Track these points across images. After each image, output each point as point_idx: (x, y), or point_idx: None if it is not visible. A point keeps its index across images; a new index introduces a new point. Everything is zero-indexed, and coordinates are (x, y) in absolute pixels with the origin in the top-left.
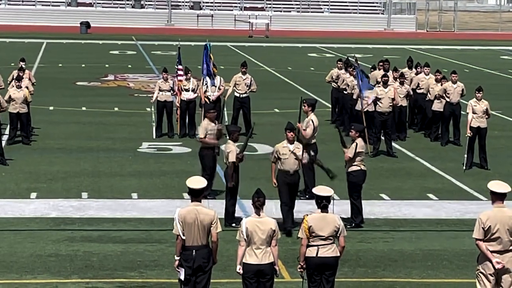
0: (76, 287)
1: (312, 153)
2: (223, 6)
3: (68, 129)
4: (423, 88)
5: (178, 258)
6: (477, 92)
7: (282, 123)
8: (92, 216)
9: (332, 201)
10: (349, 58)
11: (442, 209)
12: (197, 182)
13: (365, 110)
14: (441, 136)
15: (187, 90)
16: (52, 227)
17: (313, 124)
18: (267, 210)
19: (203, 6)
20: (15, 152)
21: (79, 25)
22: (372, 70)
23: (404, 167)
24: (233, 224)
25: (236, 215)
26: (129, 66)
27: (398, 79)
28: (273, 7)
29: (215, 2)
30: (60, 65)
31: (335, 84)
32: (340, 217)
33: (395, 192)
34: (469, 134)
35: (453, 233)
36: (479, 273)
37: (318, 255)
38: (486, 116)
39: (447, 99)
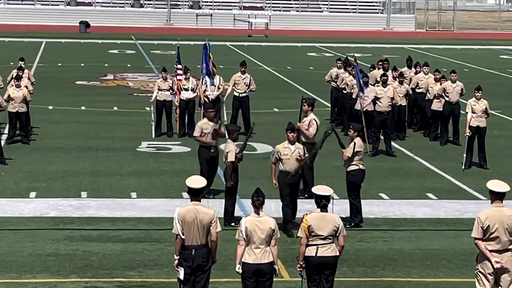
0: (76, 286)
1: (307, 158)
2: (222, 6)
3: (67, 129)
4: (422, 88)
5: (177, 257)
6: (476, 91)
7: (282, 122)
8: (91, 216)
9: (331, 200)
10: (348, 58)
11: (441, 208)
12: (197, 181)
13: (364, 109)
14: (440, 136)
15: (186, 90)
16: (51, 227)
17: (316, 123)
18: (267, 210)
19: (202, 5)
20: (14, 152)
21: (78, 24)
22: (371, 69)
23: (403, 166)
24: (233, 224)
25: (235, 214)
26: (129, 65)
27: (397, 79)
28: (273, 7)
29: (214, 2)
30: (59, 64)
31: (334, 83)
32: (340, 216)
33: (395, 191)
34: (468, 134)
35: (452, 232)
36: (478, 273)
37: (318, 255)
38: (486, 116)
39: (446, 99)
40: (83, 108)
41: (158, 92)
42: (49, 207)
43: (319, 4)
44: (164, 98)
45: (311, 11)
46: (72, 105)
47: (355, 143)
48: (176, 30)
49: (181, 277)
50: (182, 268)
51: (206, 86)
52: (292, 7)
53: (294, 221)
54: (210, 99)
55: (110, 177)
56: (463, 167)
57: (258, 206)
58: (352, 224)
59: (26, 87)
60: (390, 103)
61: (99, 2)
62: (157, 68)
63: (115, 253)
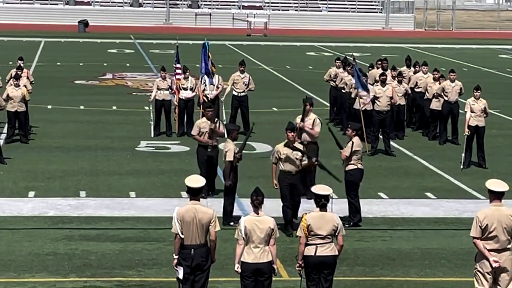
0: (74, 285)
1: (314, 159)
2: (221, 5)
3: (66, 128)
4: (421, 87)
5: (176, 256)
6: (475, 90)
7: (281, 122)
8: (90, 215)
9: (330, 200)
10: (347, 57)
11: (440, 207)
12: (196, 181)
13: (363, 108)
14: (439, 135)
15: (185, 89)
16: (50, 226)
17: (320, 122)
18: (266, 209)
19: (201, 4)
20: (13, 151)
21: (77, 23)
22: (370, 68)
23: (402, 166)
24: (231, 223)
25: (234, 214)
26: (127, 64)
27: (396, 78)
28: (272, 6)
29: (213, 1)
30: (58, 63)
31: (333, 83)
32: (338, 216)
33: (393, 191)
34: (467, 133)
35: (451, 231)
36: (477, 272)
37: (317, 254)
38: (484, 115)
39: (445, 98)
40: (82, 107)
41: (157, 92)
42: (48, 206)
43: (318, 4)
44: (163, 97)
45: (310, 11)
46: (71, 105)
47: (353, 143)
48: (175, 30)
49: (180, 276)
50: (181, 268)
51: (205, 85)
52: (291, 7)
53: (294, 221)
54: (209, 99)
55: (109, 176)
56: (462, 167)
57: (257, 206)
58: (351, 223)
59: (25, 86)
60: (389, 103)
61: (98, 2)
62: (156, 68)
63: (114, 253)
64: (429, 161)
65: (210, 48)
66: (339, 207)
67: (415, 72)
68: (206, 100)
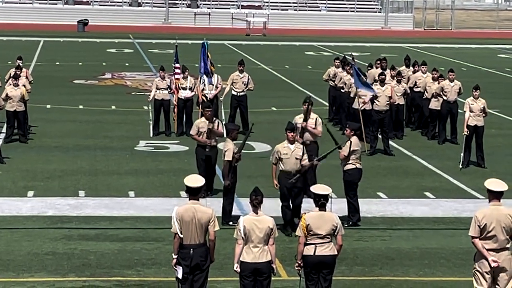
0: (73, 285)
1: (316, 162)
2: (220, 4)
3: (65, 128)
4: (420, 87)
5: (175, 256)
6: (474, 90)
7: (280, 121)
8: (89, 215)
9: (330, 199)
10: (346, 57)
11: (439, 207)
12: (195, 180)
13: (362, 108)
14: (438, 135)
15: (184, 89)
16: (49, 226)
17: (322, 121)
18: (265, 209)
19: (200, 4)
20: (12, 150)
21: (76, 23)
22: (369, 68)
23: (401, 165)
24: (231, 223)
25: (233, 213)
26: (126, 64)
27: (395, 78)
28: (271, 5)
29: (212, 0)
30: (57, 63)
31: (332, 82)
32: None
33: (392, 190)
34: (466, 133)
35: (450, 231)
36: (476, 272)
37: (316, 254)
38: (483, 115)
39: (444, 98)
40: (81, 107)
41: (156, 91)
42: (47, 206)
43: (317, 3)
44: (162, 97)
45: (309, 10)
46: (70, 104)
47: (351, 142)
48: (174, 29)
49: (179, 276)
50: (181, 267)
51: (204, 85)
52: (290, 6)
53: (294, 219)
54: (208, 98)
55: (108, 176)
56: (460, 166)
57: (256, 205)
58: (350, 223)
59: (24, 86)
60: (388, 102)
61: (97, 1)
62: (155, 67)
63: (113, 252)
64: (428, 161)
65: (209, 47)
66: (338, 206)
67: (414, 72)
68: (205, 100)
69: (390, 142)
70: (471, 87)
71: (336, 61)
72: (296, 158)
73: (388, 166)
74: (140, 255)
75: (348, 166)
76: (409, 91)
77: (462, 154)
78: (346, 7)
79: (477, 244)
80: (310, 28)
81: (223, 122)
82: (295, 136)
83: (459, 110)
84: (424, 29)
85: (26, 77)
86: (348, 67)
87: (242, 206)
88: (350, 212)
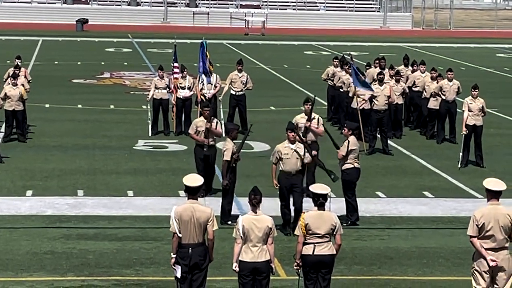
0: (72, 284)
1: (314, 153)
2: (219, 4)
3: (63, 127)
4: (419, 86)
5: (174, 255)
6: (473, 90)
7: (278, 121)
8: (87, 214)
9: (329, 198)
10: (345, 56)
11: (437, 206)
12: (194, 180)
13: (360, 108)
14: (437, 134)
15: (183, 88)
16: (48, 225)
17: (322, 120)
18: (264, 208)
19: (199, 3)
20: (10, 150)
21: (75, 22)
22: (367, 67)
23: (399, 165)
24: (229, 222)
25: (232, 213)
26: (125, 63)
27: (394, 77)
28: (269, 5)
29: (211, 0)
30: (56, 62)
31: (331, 82)
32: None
33: (391, 190)
34: (464, 132)
35: (448, 230)
36: (474, 271)
37: (315, 253)
38: (482, 114)
39: (443, 97)
40: (79, 106)
41: (154, 91)
42: (46, 205)
43: (316, 3)
44: (161, 96)
45: (307, 10)
46: (68, 103)
47: (349, 142)
48: (173, 28)
49: (178, 275)
50: (179, 267)
51: (203, 84)
52: (289, 6)
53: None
54: (206, 98)
55: (106, 175)
56: (459, 166)
57: (255, 205)
58: (349, 222)
59: (23, 85)
60: (387, 102)
61: (96, 0)
62: (153, 67)
63: (111, 252)
64: (427, 160)
65: (208, 47)
66: (337, 206)
67: (413, 71)
68: (204, 100)
69: (389, 142)
70: (469, 86)
71: (335, 60)
72: (297, 158)
73: (387, 165)
74: (139, 254)
75: (346, 166)
76: (407, 91)
77: (460, 154)
78: (344, 7)
79: (475, 243)
80: (308, 27)
81: (222, 122)
82: (295, 136)
83: (457, 110)
84: (423, 29)
85: (25, 77)
86: (347, 67)
87: (241, 205)
88: (349, 211)
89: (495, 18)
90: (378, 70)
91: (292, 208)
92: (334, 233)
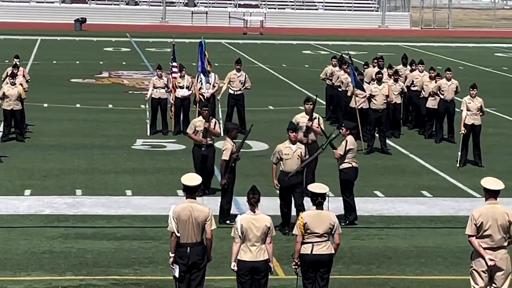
0: (70, 284)
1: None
2: (217, 3)
3: (62, 126)
4: (417, 86)
5: (172, 255)
6: (471, 89)
7: (277, 120)
8: (86, 213)
9: (327, 198)
10: (343, 55)
11: (436, 206)
12: (192, 179)
13: (359, 107)
14: (435, 133)
15: (181, 87)
16: (46, 224)
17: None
18: (262, 207)
19: (198, 3)
20: (9, 149)
21: (73, 21)
22: (365, 67)
23: (398, 164)
24: (227, 221)
25: (231, 212)
26: (124, 63)
27: (392, 76)
28: (268, 4)
29: None
30: (54, 62)
31: (329, 81)
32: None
33: (389, 189)
34: (463, 131)
35: (447, 230)
36: (473, 270)
37: (313, 252)
38: (480, 113)
39: (441, 96)
40: (78, 105)
41: (153, 90)
42: (44, 204)
43: (314, 2)
44: (159, 95)
45: (306, 9)
46: (67, 103)
47: (347, 141)
48: (171, 28)
49: (177, 274)
50: (178, 266)
51: (202, 84)
52: (287, 5)
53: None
54: (205, 97)
55: (105, 175)
56: (458, 165)
57: (253, 204)
58: (347, 221)
59: (21, 84)
60: (385, 101)
61: (94, 0)
62: (152, 66)
63: (110, 251)
64: (425, 160)
65: (206, 46)
66: (336, 205)
67: (411, 71)
68: (202, 99)
69: (387, 141)
70: (468, 86)
71: (333, 60)
72: (297, 159)
73: (385, 164)
74: (137, 253)
75: (344, 165)
76: (406, 90)
77: (459, 153)
78: (343, 6)
79: (473, 242)
80: (307, 27)
81: (221, 121)
82: (296, 136)
83: (456, 109)
84: (421, 28)
85: (23, 76)
86: (345, 66)
87: (240, 204)
88: (347, 210)
89: (494, 18)
90: (376, 69)
91: (294, 209)
92: (333, 232)
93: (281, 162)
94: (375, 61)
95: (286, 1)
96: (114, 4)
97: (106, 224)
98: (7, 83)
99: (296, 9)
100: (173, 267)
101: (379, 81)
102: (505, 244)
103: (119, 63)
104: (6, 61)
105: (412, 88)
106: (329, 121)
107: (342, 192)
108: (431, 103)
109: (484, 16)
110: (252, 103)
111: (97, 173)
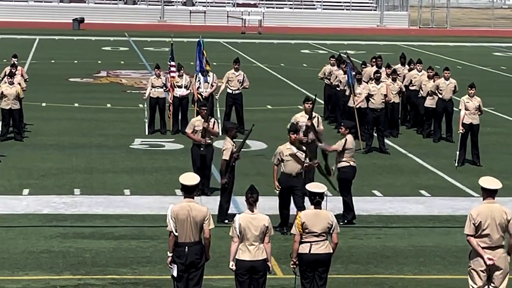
0: (68, 283)
1: (315, 162)
2: (215, 3)
3: (60, 126)
4: (415, 85)
5: (170, 254)
6: (469, 88)
7: (275, 119)
8: (84, 213)
9: (325, 197)
10: (341, 55)
11: (434, 205)
12: (190, 178)
13: (357, 106)
14: (434, 133)
15: (179, 87)
16: (44, 224)
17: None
18: (260, 207)
19: (196, 2)
20: (7, 149)
21: (71, 21)
22: (363, 66)
23: (396, 163)
24: (226, 221)
25: (229, 211)
26: (122, 62)
27: (390, 76)
28: (266, 4)
29: None
30: (53, 61)
31: (327, 80)
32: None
33: (388, 188)
34: (461, 131)
35: (445, 229)
36: (471, 270)
37: (311, 252)
38: (479, 113)
39: (440, 96)
40: (76, 105)
41: (151, 89)
42: (42, 204)
43: (313, 1)
44: (158, 95)
45: (304, 8)
46: (65, 102)
47: (346, 140)
48: (170, 27)
49: (175, 274)
50: (176, 265)
51: (200, 83)
52: (286, 4)
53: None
54: (203, 97)
55: (103, 174)
56: (456, 164)
57: (252, 203)
58: (345, 221)
59: (19, 84)
60: (383, 100)
61: None
62: (150, 65)
63: (108, 250)
64: (424, 159)
65: (205, 45)
66: (334, 204)
67: (409, 70)
68: (201, 98)
69: (386, 140)
70: (466, 85)
71: (331, 59)
72: (298, 160)
73: (384, 164)
74: (135, 253)
75: (342, 164)
76: (404, 89)
77: (457, 152)
78: (341, 5)
79: (472, 242)
80: (305, 26)
81: (219, 121)
82: (297, 138)
83: (454, 108)
84: (420, 27)
85: (21, 75)
86: (344, 65)
87: (238, 204)
88: (345, 210)
89: (492, 17)
90: (374, 68)
91: (293, 209)
92: (331, 231)
93: (282, 163)
94: (373, 60)
95: (285, 1)
96: (112, 4)
97: (104, 224)
98: (5, 82)
99: (295, 8)
100: (171, 267)
101: (377, 80)
102: (503, 243)
103: (117, 62)
104: (4, 60)
105: (410, 88)
106: (328, 121)
107: (340, 191)
108: (430, 103)
109: (483, 15)
110: (251, 103)
111: (95, 172)
